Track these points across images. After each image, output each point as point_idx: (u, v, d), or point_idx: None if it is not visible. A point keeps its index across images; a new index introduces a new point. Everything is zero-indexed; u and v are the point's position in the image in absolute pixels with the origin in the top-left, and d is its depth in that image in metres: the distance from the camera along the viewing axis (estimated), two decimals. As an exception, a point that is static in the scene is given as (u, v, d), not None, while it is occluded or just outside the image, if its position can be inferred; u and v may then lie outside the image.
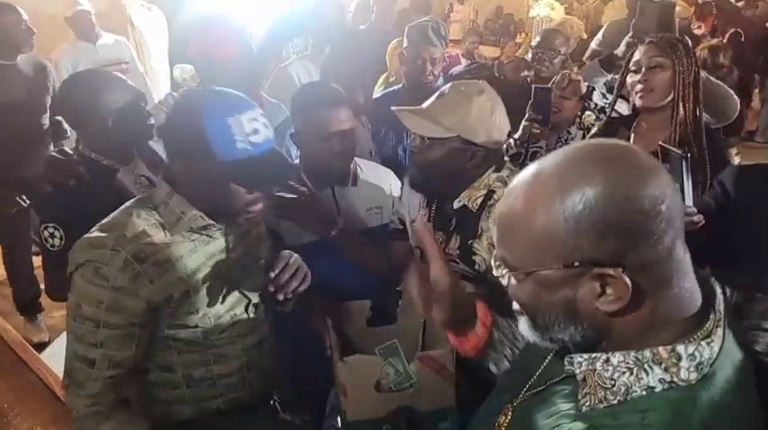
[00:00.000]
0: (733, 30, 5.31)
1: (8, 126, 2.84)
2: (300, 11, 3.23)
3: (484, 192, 1.44)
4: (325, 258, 1.57)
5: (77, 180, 1.55)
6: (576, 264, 0.63)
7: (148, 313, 1.18)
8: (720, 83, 1.99)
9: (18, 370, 2.84)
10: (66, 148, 1.57)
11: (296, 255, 1.36)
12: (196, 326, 1.25)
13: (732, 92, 2.02)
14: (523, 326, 0.74)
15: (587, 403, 0.68)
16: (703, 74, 1.84)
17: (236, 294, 1.31)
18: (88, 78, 1.68)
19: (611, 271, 0.62)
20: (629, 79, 1.84)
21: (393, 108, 1.47)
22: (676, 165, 1.46)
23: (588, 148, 0.68)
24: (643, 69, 1.79)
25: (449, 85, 1.45)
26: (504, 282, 0.72)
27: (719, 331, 0.65)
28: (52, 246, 1.57)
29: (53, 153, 1.54)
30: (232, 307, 1.31)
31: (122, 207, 1.24)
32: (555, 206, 0.63)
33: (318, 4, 2.82)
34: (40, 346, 3.05)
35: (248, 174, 1.15)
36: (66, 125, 2.94)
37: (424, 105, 1.45)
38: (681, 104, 1.75)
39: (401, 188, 1.75)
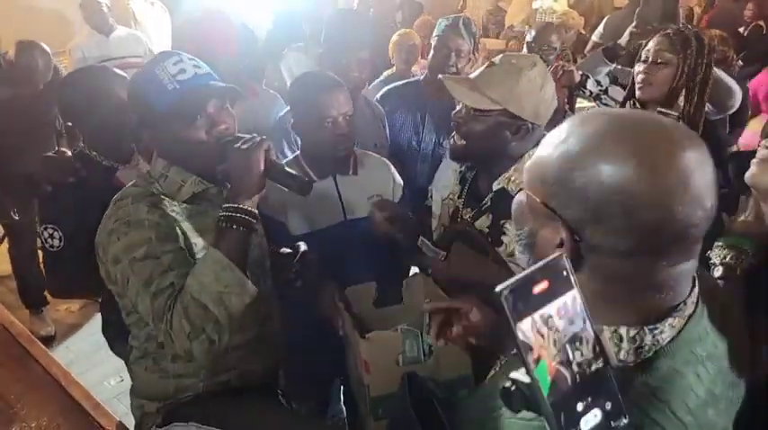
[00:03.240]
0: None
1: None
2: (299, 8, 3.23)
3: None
4: (330, 246, 1.60)
5: (76, 178, 1.54)
6: (549, 206, 0.67)
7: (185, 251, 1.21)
8: (723, 74, 1.98)
9: (25, 362, 2.86)
10: (65, 149, 1.59)
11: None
12: None
13: (735, 85, 2.01)
14: None
15: None
16: None
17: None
18: (85, 76, 1.69)
19: (563, 231, 0.65)
20: (636, 68, 1.82)
21: (440, 76, 1.45)
22: None
23: (636, 122, 0.67)
24: (649, 61, 1.77)
25: (499, 56, 1.41)
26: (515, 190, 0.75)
27: (673, 321, 0.65)
28: (51, 246, 1.56)
29: (50, 154, 1.55)
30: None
31: (122, 190, 1.26)
32: (566, 151, 0.66)
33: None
34: (46, 340, 3.08)
35: (186, 109, 1.18)
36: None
37: (472, 75, 1.42)
38: (686, 98, 1.74)
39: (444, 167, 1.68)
